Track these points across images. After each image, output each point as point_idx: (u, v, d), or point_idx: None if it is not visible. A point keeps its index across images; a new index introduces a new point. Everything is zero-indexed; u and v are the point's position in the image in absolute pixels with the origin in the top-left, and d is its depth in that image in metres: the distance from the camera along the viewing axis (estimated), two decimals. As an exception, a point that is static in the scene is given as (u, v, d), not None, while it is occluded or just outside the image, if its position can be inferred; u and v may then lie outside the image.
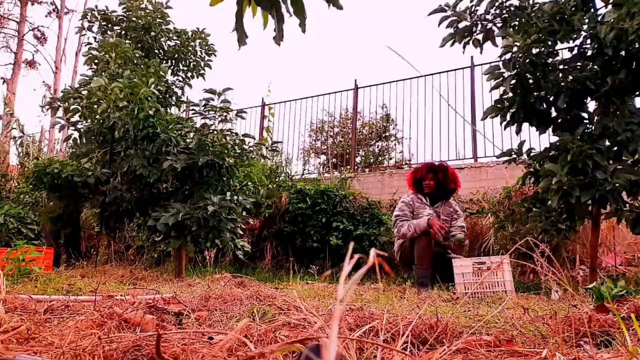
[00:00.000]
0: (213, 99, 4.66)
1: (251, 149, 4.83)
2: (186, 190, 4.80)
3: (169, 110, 5.67)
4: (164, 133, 4.68)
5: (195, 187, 4.68)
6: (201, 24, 6.14)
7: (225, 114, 4.65)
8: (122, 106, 4.47)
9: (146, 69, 5.01)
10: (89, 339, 1.20)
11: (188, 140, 4.70)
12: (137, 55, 5.33)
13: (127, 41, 5.41)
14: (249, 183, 5.18)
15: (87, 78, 5.06)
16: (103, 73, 4.92)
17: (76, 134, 5.28)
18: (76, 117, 5.07)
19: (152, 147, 4.69)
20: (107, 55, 5.03)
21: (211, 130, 4.62)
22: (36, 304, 1.95)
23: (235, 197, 4.51)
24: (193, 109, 4.78)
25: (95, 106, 4.51)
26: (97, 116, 4.63)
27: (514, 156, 3.73)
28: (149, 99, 4.62)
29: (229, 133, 4.66)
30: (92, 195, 5.13)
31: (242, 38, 1.60)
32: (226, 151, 4.56)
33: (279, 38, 1.61)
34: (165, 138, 4.65)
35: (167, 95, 5.78)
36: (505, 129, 3.82)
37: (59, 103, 4.93)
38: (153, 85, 4.76)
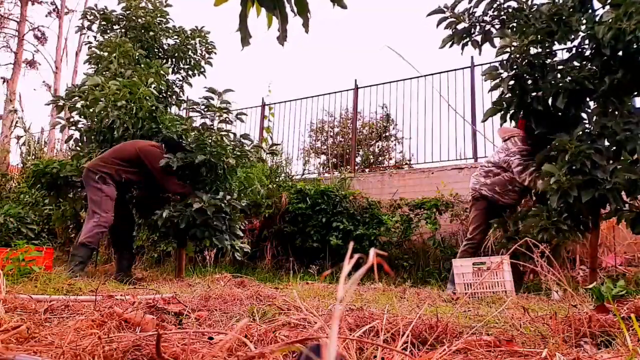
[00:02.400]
0: (213, 99, 4.66)
1: (250, 151, 4.82)
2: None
3: (169, 110, 5.68)
4: (166, 129, 4.67)
5: (192, 187, 4.67)
6: (202, 24, 6.12)
7: (224, 114, 4.64)
8: (120, 105, 4.46)
9: (148, 69, 5.01)
10: (89, 338, 1.20)
11: (189, 140, 4.68)
12: (140, 54, 5.33)
13: (128, 41, 5.42)
14: (247, 186, 5.19)
15: (89, 77, 5.06)
16: (105, 72, 4.92)
17: (77, 134, 5.29)
18: (77, 117, 5.08)
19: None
20: (111, 55, 5.03)
21: (210, 129, 4.60)
22: (36, 303, 1.95)
23: (228, 197, 4.49)
24: (193, 108, 4.77)
25: (95, 106, 4.51)
26: (96, 115, 4.62)
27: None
28: (148, 98, 4.61)
29: (226, 134, 4.65)
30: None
31: (245, 38, 1.61)
32: (224, 152, 4.55)
33: (282, 38, 1.61)
34: (165, 135, 4.63)
35: (168, 95, 5.79)
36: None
37: (62, 101, 4.93)
38: (153, 85, 4.75)
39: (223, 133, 4.60)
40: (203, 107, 4.64)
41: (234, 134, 4.77)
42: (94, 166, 4.29)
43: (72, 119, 5.14)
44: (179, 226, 4.24)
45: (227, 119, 4.68)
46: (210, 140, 4.51)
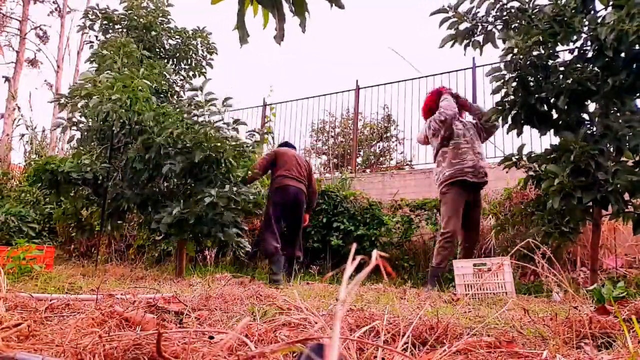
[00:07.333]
0: (197, 96, 4.65)
1: (248, 140, 4.81)
2: (187, 189, 4.78)
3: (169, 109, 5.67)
4: (159, 136, 4.60)
5: (196, 184, 4.67)
6: (201, 23, 6.14)
7: (211, 106, 4.63)
8: (114, 98, 4.43)
9: (151, 70, 5.00)
10: (89, 337, 1.20)
11: (186, 141, 4.62)
12: (144, 55, 5.33)
13: (133, 41, 5.42)
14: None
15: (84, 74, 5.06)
16: (108, 72, 4.92)
17: (78, 134, 5.29)
18: (77, 117, 5.08)
19: (151, 152, 4.62)
20: (115, 55, 5.03)
21: (202, 125, 4.55)
22: (37, 302, 1.95)
23: (235, 189, 4.46)
24: (180, 109, 4.72)
25: (89, 100, 4.49)
26: (91, 110, 4.58)
27: (515, 160, 3.73)
28: (142, 90, 4.56)
29: (222, 125, 4.60)
30: (93, 193, 5.12)
31: (243, 37, 1.60)
32: (222, 146, 4.52)
33: (279, 37, 1.60)
34: (161, 142, 4.58)
35: (169, 94, 5.79)
36: (508, 132, 3.82)
37: (65, 99, 4.92)
38: (152, 82, 4.73)
39: (219, 125, 4.56)
40: (187, 106, 4.62)
41: (227, 123, 4.72)
42: None
43: (74, 119, 5.14)
44: (187, 222, 4.24)
45: (215, 111, 4.66)
46: (203, 135, 4.45)
